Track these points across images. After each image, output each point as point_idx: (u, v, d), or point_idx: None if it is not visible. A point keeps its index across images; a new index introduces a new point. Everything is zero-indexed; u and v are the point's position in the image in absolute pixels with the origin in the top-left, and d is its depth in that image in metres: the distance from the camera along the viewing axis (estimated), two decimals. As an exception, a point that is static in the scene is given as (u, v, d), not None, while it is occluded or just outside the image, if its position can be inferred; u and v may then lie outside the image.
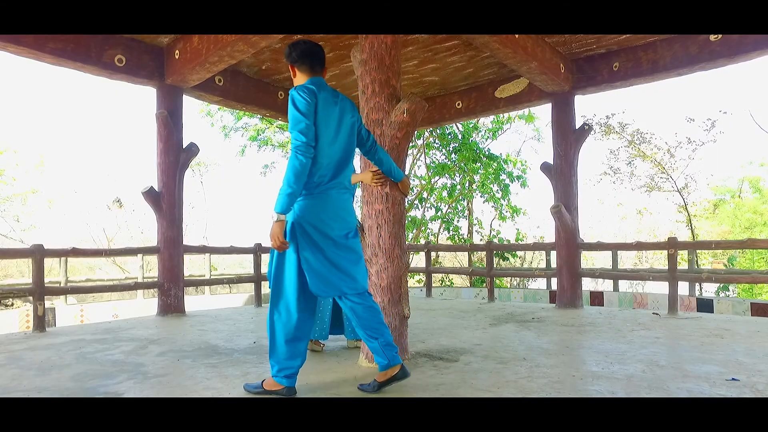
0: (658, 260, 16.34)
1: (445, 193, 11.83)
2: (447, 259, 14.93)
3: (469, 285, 11.09)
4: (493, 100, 6.27)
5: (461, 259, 13.59)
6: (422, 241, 11.53)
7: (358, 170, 3.13)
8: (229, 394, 2.41)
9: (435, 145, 11.95)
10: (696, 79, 33.86)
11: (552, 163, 5.78)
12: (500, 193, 11.50)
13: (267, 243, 6.89)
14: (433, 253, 9.57)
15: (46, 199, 15.36)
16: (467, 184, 11.79)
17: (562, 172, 5.67)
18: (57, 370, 2.95)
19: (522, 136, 15.05)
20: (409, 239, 11.77)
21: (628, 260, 17.46)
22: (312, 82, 2.37)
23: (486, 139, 12.00)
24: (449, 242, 11.92)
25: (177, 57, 4.96)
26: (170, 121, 5.22)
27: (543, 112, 14.46)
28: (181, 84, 5.22)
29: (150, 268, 11.77)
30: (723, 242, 7.65)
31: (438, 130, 11.32)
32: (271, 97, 6.19)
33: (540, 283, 11.50)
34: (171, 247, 5.36)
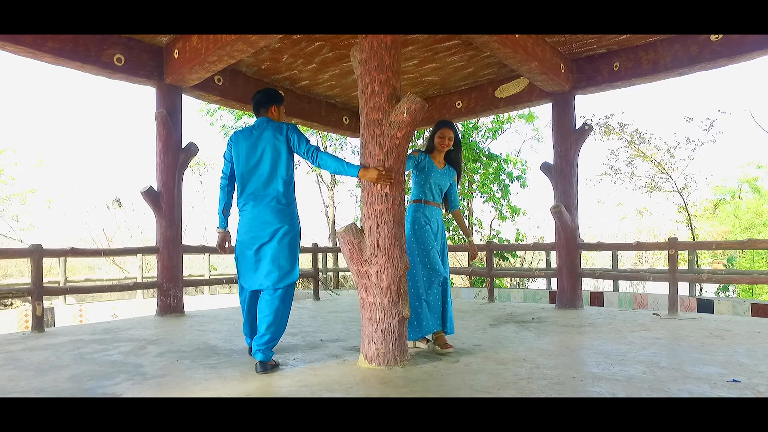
0: (658, 260, 16.34)
1: (444, 193, 11.80)
2: (447, 259, 14.91)
3: (468, 285, 11.08)
4: (493, 100, 6.26)
5: (461, 259, 13.58)
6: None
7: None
8: (227, 394, 2.39)
9: (435, 144, 11.93)
10: (695, 78, 33.91)
11: (552, 163, 5.77)
12: (500, 193, 11.49)
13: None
14: (432, 253, 9.52)
15: (45, 198, 15.34)
16: (467, 184, 11.78)
17: (562, 172, 5.66)
18: (55, 370, 2.94)
19: (522, 136, 15.05)
20: (409, 239, 11.75)
21: (628, 260, 17.47)
22: (253, 124, 3.08)
23: (486, 139, 11.99)
24: (449, 242, 11.91)
25: (176, 56, 4.95)
26: (169, 120, 5.20)
27: (543, 111, 14.48)
28: (180, 83, 5.21)
29: (149, 268, 11.76)
30: (723, 242, 7.64)
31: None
32: (270, 97, 6.16)
33: (540, 284, 11.50)
34: (170, 246, 5.35)
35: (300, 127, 11.90)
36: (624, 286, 11.14)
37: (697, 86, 35.28)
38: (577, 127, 5.68)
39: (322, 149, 2.99)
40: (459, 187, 3.73)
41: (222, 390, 2.48)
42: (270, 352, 2.88)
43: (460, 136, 3.57)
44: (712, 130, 12.24)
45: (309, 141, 2.95)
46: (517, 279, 11.96)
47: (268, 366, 2.83)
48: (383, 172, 2.87)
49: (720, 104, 32.45)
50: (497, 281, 10.23)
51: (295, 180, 3.08)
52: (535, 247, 8.90)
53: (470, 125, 11.47)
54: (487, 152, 11.46)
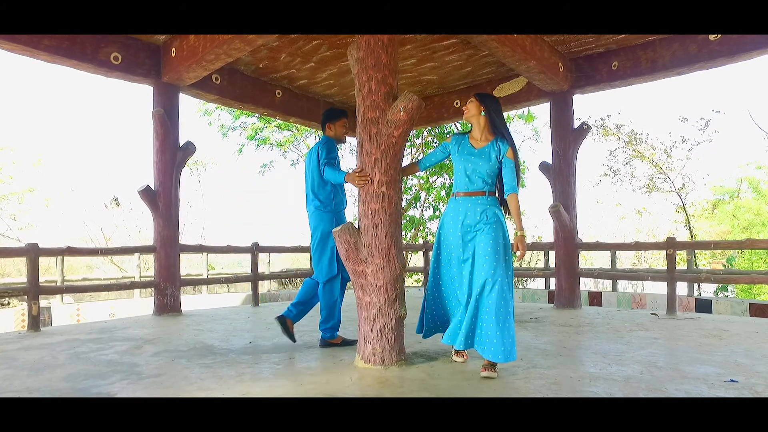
0: (657, 260, 16.33)
1: (443, 193, 11.81)
2: (445, 258, 14.88)
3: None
4: (491, 100, 6.23)
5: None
6: (420, 241, 11.52)
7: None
8: (222, 394, 2.38)
9: (434, 144, 11.94)
10: (693, 78, 33.89)
11: (550, 162, 5.76)
12: (499, 192, 11.46)
13: (264, 242, 6.88)
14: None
15: (43, 197, 15.31)
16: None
17: (561, 172, 5.65)
18: (50, 370, 2.93)
19: (520, 135, 15.02)
20: (408, 239, 11.75)
21: (626, 260, 17.46)
22: None
23: (485, 139, 11.96)
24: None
25: (173, 55, 4.93)
26: (167, 119, 5.18)
27: (542, 112, 14.46)
28: (177, 82, 5.19)
29: (147, 267, 11.73)
30: (722, 242, 7.62)
31: (437, 129, 11.30)
32: (268, 96, 6.15)
33: (538, 283, 11.49)
34: (167, 246, 5.33)
35: (299, 126, 11.83)
36: (622, 285, 11.13)
37: (694, 86, 35.30)
38: (575, 127, 5.67)
39: (334, 163, 3.41)
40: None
41: (218, 390, 2.46)
42: (326, 333, 3.51)
43: (495, 100, 2.98)
44: (708, 129, 12.27)
45: (330, 154, 3.41)
46: (516, 278, 11.96)
47: (327, 342, 3.53)
48: (357, 174, 2.99)
49: (717, 104, 32.47)
50: (496, 281, 10.20)
51: (331, 188, 3.52)
52: (534, 246, 8.88)
53: (469, 125, 11.46)
54: (485, 152, 11.43)
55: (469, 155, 2.90)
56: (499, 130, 2.92)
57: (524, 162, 11.75)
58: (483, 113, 2.92)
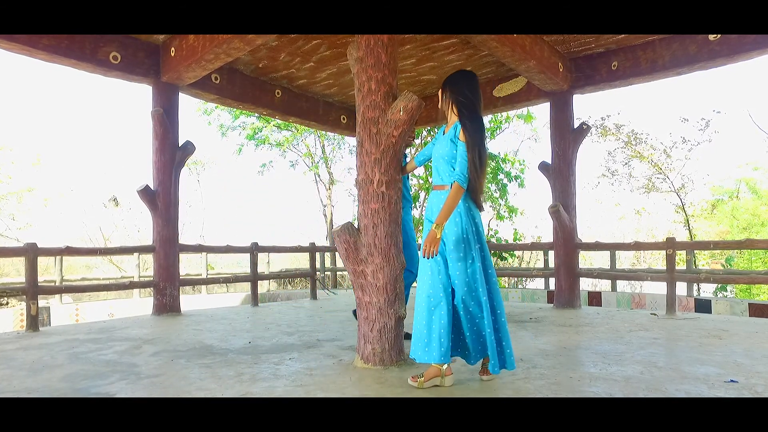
0: (656, 260, 16.35)
1: (443, 193, 11.81)
2: (445, 258, 14.87)
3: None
4: (491, 99, 6.24)
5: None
6: (420, 241, 11.52)
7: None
8: (222, 394, 2.37)
9: (433, 144, 11.95)
10: (693, 78, 33.93)
11: (550, 162, 5.76)
12: (498, 192, 11.49)
13: (264, 242, 6.87)
14: (430, 253, 9.56)
15: (42, 197, 15.31)
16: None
17: (560, 172, 5.65)
18: (48, 370, 2.92)
19: (520, 136, 15.02)
20: (407, 239, 11.74)
21: (626, 260, 17.48)
22: None
23: (484, 139, 11.96)
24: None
25: (173, 54, 4.92)
26: (166, 119, 5.18)
27: (541, 112, 14.47)
28: (177, 82, 5.18)
29: (147, 267, 11.73)
30: (721, 242, 7.62)
31: (436, 129, 11.29)
32: (268, 96, 6.14)
33: (538, 283, 11.49)
34: (166, 245, 5.32)
35: (298, 126, 11.80)
36: (622, 285, 11.14)
37: (694, 86, 35.33)
38: (575, 127, 5.67)
39: None
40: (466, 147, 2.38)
41: (217, 390, 2.46)
42: None
43: (458, 77, 2.59)
44: (708, 129, 12.28)
45: None
46: (515, 279, 11.96)
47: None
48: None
49: (717, 104, 32.50)
50: (495, 281, 10.20)
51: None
52: (533, 246, 8.89)
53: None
54: (485, 152, 11.45)
55: (436, 145, 2.60)
56: (460, 111, 2.48)
57: (523, 161, 11.75)
58: (443, 97, 2.59)
